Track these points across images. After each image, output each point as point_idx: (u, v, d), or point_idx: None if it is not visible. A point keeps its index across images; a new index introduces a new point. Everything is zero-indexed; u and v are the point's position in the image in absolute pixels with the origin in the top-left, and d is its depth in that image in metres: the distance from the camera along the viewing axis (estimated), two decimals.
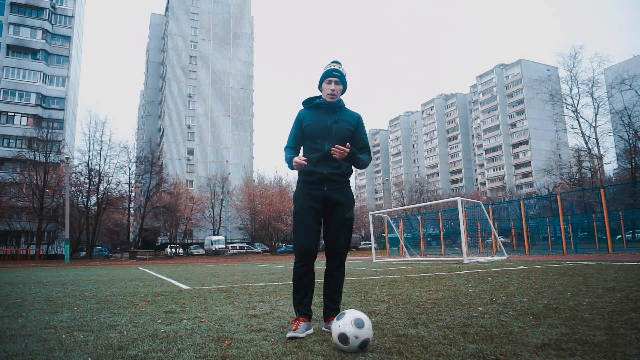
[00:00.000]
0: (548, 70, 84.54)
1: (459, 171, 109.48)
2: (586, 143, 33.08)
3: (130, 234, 48.64)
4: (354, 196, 2.77)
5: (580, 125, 32.89)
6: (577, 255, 15.28)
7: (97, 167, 38.67)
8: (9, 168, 41.43)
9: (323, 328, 2.79)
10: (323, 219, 2.89)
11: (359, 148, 2.94)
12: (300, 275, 2.80)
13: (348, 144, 2.69)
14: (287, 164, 2.87)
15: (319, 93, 2.99)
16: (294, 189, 3.94)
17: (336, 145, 2.68)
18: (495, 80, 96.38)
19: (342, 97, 2.97)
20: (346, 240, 2.84)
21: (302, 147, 2.96)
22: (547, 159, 47.10)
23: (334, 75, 2.85)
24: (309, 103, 2.97)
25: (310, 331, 2.76)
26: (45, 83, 47.05)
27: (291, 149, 2.91)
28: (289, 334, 2.61)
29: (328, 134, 2.83)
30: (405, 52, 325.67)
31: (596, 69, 42.85)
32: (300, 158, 2.73)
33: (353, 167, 2.94)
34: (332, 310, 2.81)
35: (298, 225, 2.82)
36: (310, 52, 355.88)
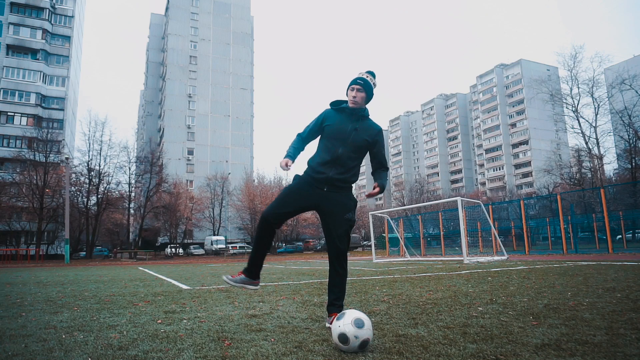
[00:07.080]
0: (548, 70, 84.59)
1: (459, 171, 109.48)
2: (586, 143, 33.10)
3: (130, 234, 48.62)
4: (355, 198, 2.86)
5: (580, 125, 32.93)
6: (577, 255, 15.26)
7: (97, 167, 38.70)
8: (9, 168, 41.43)
9: (327, 325, 2.82)
10: (322, 219, 2.96)
11: (376, 163, 3.07)
12: (262, 230, 2.93)
13: (376, 184, 2.93)
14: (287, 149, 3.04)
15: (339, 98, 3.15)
16: None
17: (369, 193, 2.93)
18: (495, 80, 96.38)
19: (367, 106, 3.07)
20: (345, 240, 2.90)
21: (316, 143, 3.08)
22: (547, 159, 47.14)
23: (357, 83, 2.98)
24: (336, 105, 3.09)
25: (253, 287, 3.02)
26: (45, 83, 47.03)
27: (302, 138, 3.07)
28: (224, 277, 2.99)
29: (345, 139, 2.92)
30: (406, 52, 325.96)
31: (596, 69, 42.91)
32: (288, 163, 2.90)
33: (357, 176, 3.05)
34: (337, 307, 2.86)
35: (282, 196, 2.96)
36: (310, 52, 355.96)
